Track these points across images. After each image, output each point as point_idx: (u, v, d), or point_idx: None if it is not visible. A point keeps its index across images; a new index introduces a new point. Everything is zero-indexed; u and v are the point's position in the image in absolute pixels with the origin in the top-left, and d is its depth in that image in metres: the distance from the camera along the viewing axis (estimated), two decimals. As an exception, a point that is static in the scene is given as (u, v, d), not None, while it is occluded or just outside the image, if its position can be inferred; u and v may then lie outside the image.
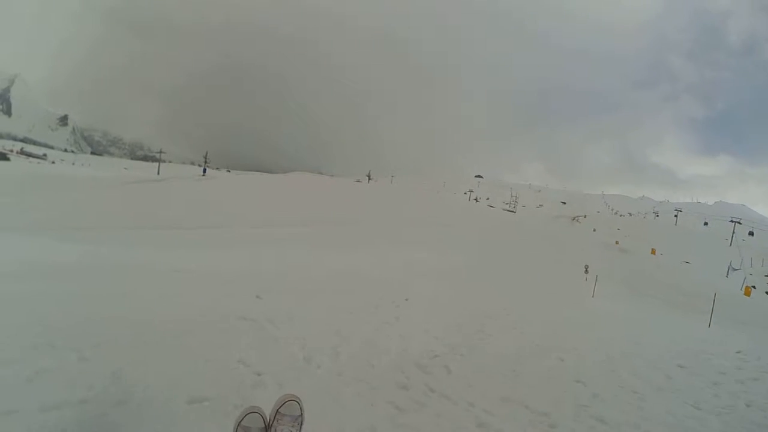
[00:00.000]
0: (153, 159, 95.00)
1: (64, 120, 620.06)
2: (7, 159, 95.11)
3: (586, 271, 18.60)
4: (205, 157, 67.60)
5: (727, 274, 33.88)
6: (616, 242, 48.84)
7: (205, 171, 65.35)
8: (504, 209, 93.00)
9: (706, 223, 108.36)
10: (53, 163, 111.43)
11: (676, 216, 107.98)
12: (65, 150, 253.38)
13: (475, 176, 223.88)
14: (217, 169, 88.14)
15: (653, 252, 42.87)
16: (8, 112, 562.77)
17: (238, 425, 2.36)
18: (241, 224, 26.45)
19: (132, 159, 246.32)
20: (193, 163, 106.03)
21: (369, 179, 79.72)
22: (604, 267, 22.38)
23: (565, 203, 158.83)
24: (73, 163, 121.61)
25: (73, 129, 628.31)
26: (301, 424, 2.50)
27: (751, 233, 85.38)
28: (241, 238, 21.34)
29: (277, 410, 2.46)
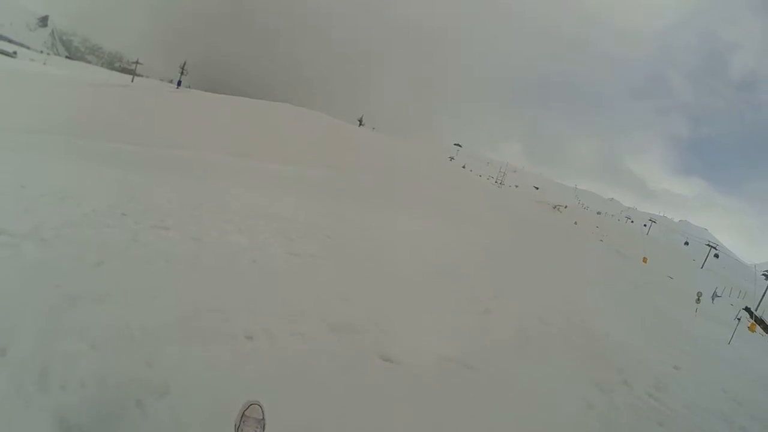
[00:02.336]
0: (130, 71, 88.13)
1: (44, 21, 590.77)
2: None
3: (698, 301, 15.62)
4: (182, 68, 60.20)
5: (713, 299, 32.32)
6: (601, 240, 50.36)
7: (179, 84, 58.13)
8: (493, 182, 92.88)
9: (686, 243, 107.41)
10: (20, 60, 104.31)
11: (645, 225, 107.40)
12: (41, 52, 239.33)
13: (454, 144, 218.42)
14: (189, 87, 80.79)
15: (645, 260, 41.46)
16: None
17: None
18: (216, 150, 21.57)
19: (110, 69, 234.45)
20: (171, 81, 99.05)
21: (361, 124, 73.28)
22: (630, 280, 19.76)
23: (537, 188, 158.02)
24: (45, 63, 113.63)
25: (53, 31, 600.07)
26: (264, 427, 2.64)
27: (716, 255, 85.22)
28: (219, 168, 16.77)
29: (243, 413, 2.65)
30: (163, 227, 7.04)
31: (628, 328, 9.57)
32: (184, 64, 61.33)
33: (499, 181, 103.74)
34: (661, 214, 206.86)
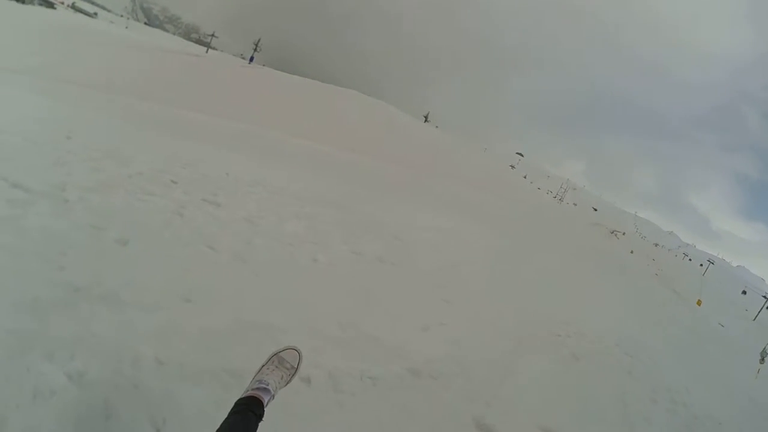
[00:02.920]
0: (205, 44, 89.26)
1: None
2: (54, 7, 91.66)
3: (762, 361, 15.14)
4: (256, 44, 60.34)
5: (762, 360, 30.01)
6: (656, 274, 48.49)
7: (252, 59, 58.27)
8: (552, 197, 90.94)
9: (744, 293, 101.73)
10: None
11: (701, 265, 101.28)
12: (120, 16, 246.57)
13: (516, 153, 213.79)
14: (263, 65, 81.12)
15: (699, 303, 38.91)
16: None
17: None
18: (280, 129, 20.73)
19: (186, 39, 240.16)
20: (243, 57, 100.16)
21: (426, 120, 70.98)
22: (686, 325, 18.01)
23: (596, 210, 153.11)
24: (126, 28, 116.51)
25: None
26: (293, 376, 2.32)
27: (744, 293, 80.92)
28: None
29: (278, 353, 2.35)
30: (214, 203, 5.99)
31: (703, 391, 8.26)
32: (258, 41, 61.58)
33: (559, 197, 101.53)
34: (720, 256, 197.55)
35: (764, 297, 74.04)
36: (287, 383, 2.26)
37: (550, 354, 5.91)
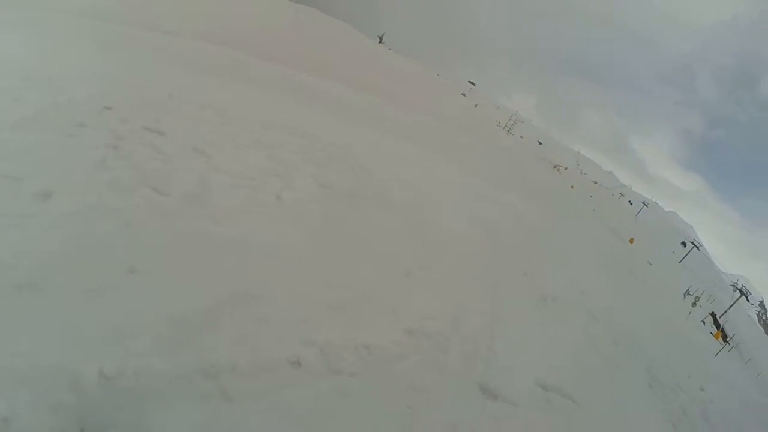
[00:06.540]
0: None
1: None
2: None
3: (694, 305, 18.90)
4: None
5: (684, 296, 32.48)
6: (593, 210, 48.49)
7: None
8: (502, 128, 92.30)
9: (683, 244, 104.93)
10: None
11: (631, 203, 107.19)
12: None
13: (468, 81, 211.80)
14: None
15: (631, 241, 40.64)
16: None
17: None
18: (227, 44, 19.11)
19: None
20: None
21: (380, 42, 67.52)
22: (624, 264, 18.75)
23: (541, 143, 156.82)
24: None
25: None
26: None
27: (685, 243, 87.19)
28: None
29: None
30: (157, 131, 5.09)
31: (649, 332, 9.12)
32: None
33: (507, 129, 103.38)
34: (653, 200, 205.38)
35: (692, 243, 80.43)
36: None
37: (525, 296, 5.92)
